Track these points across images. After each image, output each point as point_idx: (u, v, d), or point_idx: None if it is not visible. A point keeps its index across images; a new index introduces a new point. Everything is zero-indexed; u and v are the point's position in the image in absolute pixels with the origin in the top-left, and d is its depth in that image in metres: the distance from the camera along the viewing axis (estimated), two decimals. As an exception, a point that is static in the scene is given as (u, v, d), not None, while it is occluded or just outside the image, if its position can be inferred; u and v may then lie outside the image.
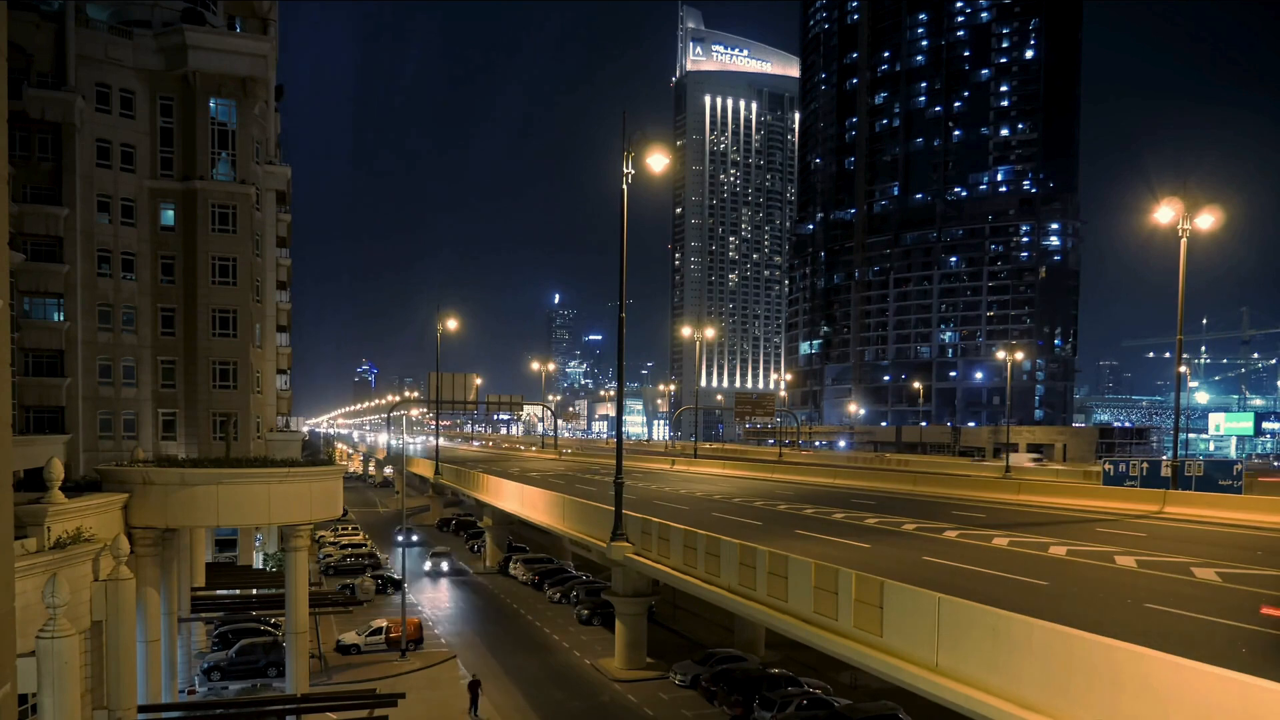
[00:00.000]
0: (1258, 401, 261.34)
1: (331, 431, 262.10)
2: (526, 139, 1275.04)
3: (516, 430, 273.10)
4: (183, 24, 45.92)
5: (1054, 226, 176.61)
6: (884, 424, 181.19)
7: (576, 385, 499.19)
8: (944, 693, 17.65)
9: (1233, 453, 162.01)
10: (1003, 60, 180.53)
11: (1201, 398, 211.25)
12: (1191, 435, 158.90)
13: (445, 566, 70.06)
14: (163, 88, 45.91)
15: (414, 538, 79.66)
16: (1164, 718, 13.50)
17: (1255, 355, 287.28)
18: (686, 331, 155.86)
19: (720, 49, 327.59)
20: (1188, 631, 18.65)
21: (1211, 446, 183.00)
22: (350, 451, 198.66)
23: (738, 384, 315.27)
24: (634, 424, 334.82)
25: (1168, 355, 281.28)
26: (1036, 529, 36.36)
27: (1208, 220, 41.89)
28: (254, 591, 44.96)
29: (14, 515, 15.08)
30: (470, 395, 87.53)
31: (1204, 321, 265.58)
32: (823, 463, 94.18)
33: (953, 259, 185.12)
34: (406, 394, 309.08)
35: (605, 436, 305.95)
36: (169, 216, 46.46)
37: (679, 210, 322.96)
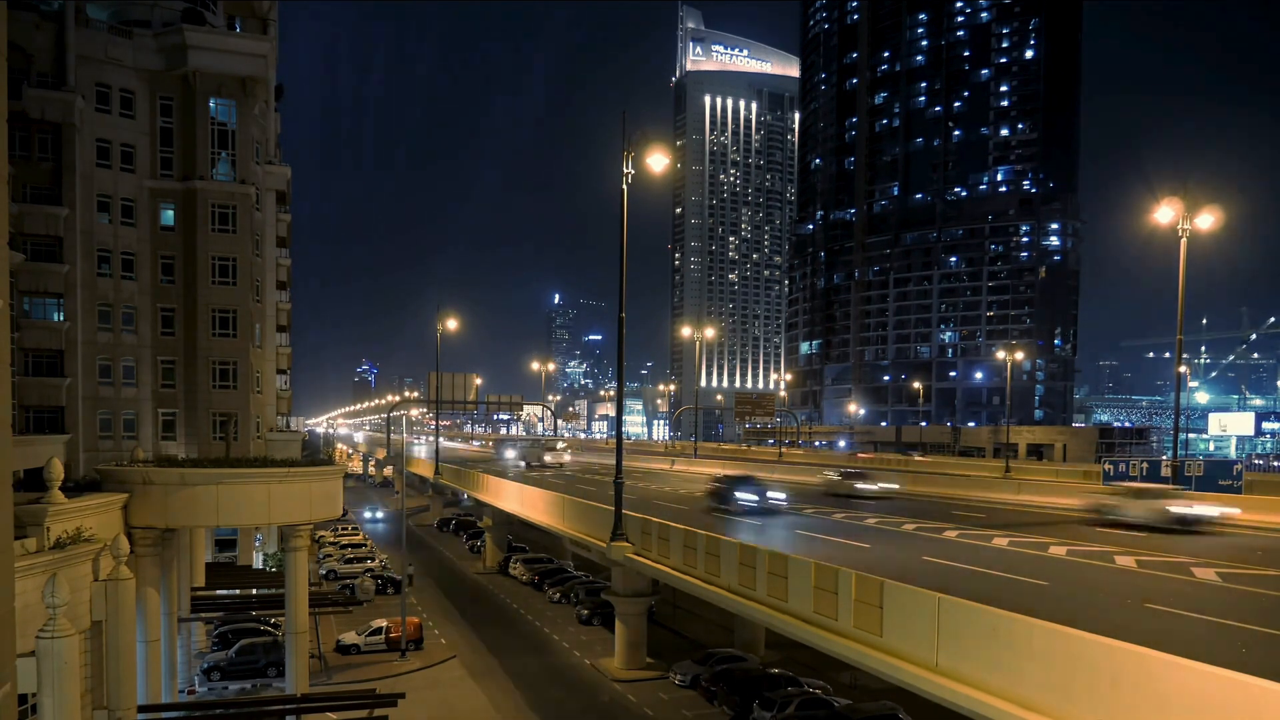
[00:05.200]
0: (1258, 401, 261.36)
1: (331, 431, 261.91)
2: (526, 139, 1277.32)
3: (516, 430, 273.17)
4: (183, 24, 45.87)
5: (1054, 226, 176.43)
6: (884, 424, 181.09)
7: (576, 385, 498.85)
8: (944, 693, 17.64)
9: (1233, 453, 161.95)
10: (1003, 60, 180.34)
11: (1201, 398, 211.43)
12: (1191, 435, 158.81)
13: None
14: (163, 88, 45.88)
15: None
16: (1165, 718, 13.50)
17: (1255, 355, 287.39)
18: (686, 331, 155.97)
19: (720, 49, 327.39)
20: (1188, 631, 18.64)
21: (1211, 446, 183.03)
22: (350, 451, 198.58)
23: (738, 384, 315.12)
24: (634, 424, 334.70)
25: (1167, 355, 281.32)
26: (1036, 529, 36.38)
27: (1208, 220, 41.90)
28: (254, 591, 44.96)
29: (14, 515, 15.07)
30: (470, 395, 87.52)
31: (1204, 321, 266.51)
32: (823, 462, 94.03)
33: (953, 259, 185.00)
34: (407, 394, 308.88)
35: (605, 436, 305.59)
36: (169, 216, 46.42)
37: (679, 210, 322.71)
